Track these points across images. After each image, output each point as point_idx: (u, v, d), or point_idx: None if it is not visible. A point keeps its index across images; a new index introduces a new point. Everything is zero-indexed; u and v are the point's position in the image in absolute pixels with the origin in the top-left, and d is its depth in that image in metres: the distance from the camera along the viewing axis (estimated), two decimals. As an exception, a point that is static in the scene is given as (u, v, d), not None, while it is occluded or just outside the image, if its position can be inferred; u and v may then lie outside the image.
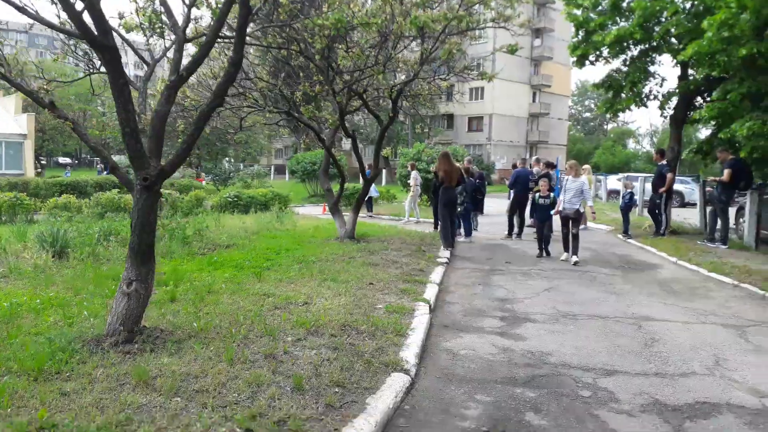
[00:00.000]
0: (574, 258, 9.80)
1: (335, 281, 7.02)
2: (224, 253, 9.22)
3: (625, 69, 13.66)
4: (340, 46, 8.24)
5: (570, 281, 8.32)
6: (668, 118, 13.79)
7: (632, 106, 13.26)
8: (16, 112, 30.53)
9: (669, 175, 12.56)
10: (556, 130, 61.61)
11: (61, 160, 65.25)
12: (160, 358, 4.10)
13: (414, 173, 15.76)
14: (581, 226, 15.72)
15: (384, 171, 50.31)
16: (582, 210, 10.14)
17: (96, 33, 3.88)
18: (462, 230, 12.82)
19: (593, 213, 11.70)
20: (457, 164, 11.10)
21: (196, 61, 4.51)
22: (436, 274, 8.23)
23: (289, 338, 4.70)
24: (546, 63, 59.47)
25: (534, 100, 59.47)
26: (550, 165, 13.86)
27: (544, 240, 10.53)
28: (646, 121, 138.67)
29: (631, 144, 78.19)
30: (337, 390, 3.77)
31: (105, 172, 28.71)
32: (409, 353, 4.62)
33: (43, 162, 46.79)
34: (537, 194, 10.51)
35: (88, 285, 6.59)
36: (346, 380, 3.93)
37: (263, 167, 50.92)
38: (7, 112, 30.47)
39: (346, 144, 60.85)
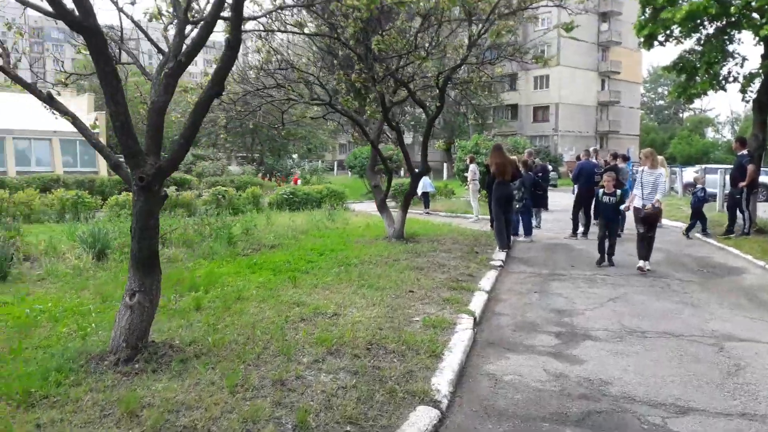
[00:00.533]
0: (647, 265, 8.47)
1: (372, 288, 6.48)
2: (267, 254, 8.88)
3: (699, 49, 12.30)
4: (378, 30, 7.65)
5: (639, 289, 7.41)
6: (751, 102, 12.34)
7: (708, 91, 11.92)
8: (88, 111, 31.75)
9: (750, 167, 11.24)
10: (628, 119, 58.59)
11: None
12: (159, 381, 3.69)
13: (472, 166, 14.98)
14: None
15: (444, 165, 49.50)
16: (660, 206, 8.56)
17: (77, 13, 3.47)
18: (522, 229, 12.01)
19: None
20: (513, 157, 10.27)
21: (196, 45, 4.05)
22: (487, 279, 7.54)
23: (306, 359, 4.18)
24: (614, 48, 56.61)
25: (603, 88, 56.79)
26: (622, 157, 12.76)
27: (607, 246, 9.11)
28: (725, 108, 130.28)
29: (709, 133, 73.40)
30: (348, 429, 3.22)
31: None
32: (443, 380, 4.01)
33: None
34: (601, 190, 9.28)
35: (118, 290, 6.35)
36: (362, 415, 3.37)
37: (327, 163, 51.03)
38: (81, 111, 31.73)
39: (408, 138, 60.37)
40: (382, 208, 10.65)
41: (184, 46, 4.26)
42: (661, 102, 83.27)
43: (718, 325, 5.82)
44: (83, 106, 31.88)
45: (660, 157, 15.33)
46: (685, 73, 12.60)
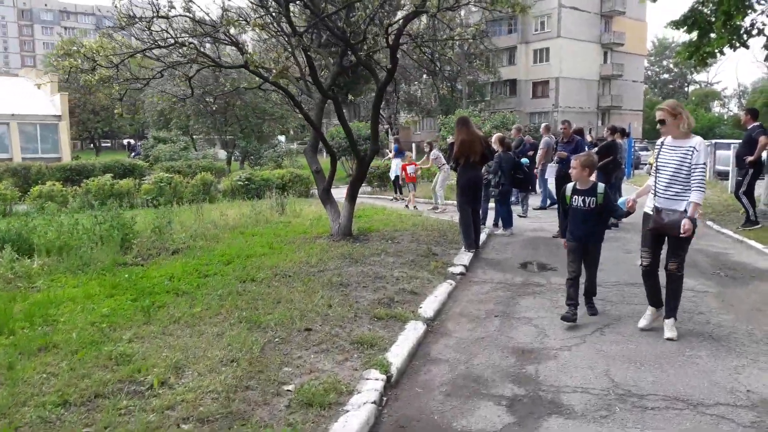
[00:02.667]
0: (670, 332, 4.66)
1: (251, 324, 4.53)
2: (162, 263, 6.95)
3: (715, -1, 10.19)
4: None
5: (638, 311, 5.47)
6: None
7: (726, 48, 9.80)
8: (52, 92, 29.71)
9: (762, 138, 9.17)
10: (631, 94, 56.09)
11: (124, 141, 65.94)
12: None
13: (434, 152, 12.94)
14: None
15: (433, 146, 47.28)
16: (697, 215, 4.58)
17: None
18: (500, 220, 10.07)
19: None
20: (511, 133, 8.21)
21: None
22: (434, 298, 5.60)
23: None
24: (618, 18, 53.94)
25: (605, 61, 54.26)
26: (621, 132, 10.69)
27: (585, 284, 5.32)
28: (732, 81, 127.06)
29: (715, 107, 70.79)
30: None
31: (133, 155, 27.36)
32: None
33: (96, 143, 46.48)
34: (569, 186, 5.26)
35: None
36: None
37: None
38: (44, 93, 29.69)
39: (402, 117, 58.00)
40: (325, 198, 8.69)
41: None
42: (666, 75, 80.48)
43: (754, 379, 3.89)
44: (47, 87, 29.82)
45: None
46: (697, 28, 10.49)
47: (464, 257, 7.52)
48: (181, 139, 25.71)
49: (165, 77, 10.99)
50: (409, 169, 13.93)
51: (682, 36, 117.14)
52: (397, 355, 4.10)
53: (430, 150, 13.43)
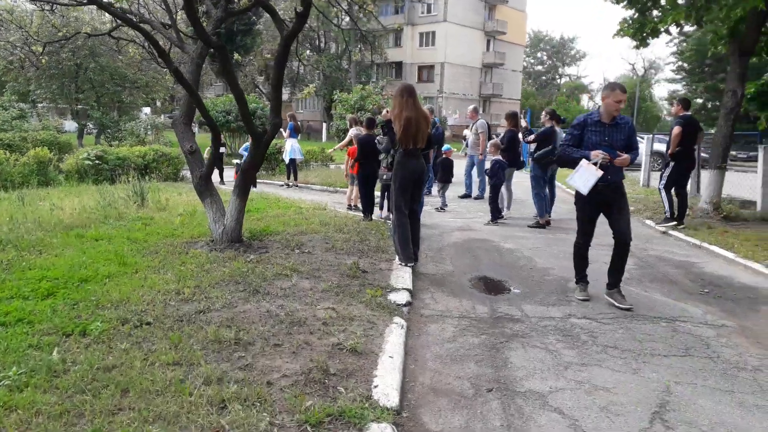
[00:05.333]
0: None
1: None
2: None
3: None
4: None
5: (678, 366, 3.80)
6: (723, 45, 9.33)
7: (681, 22, 8.57)
8: None
9: (675, 129, 8.41)
10: (510, 83, 57.35)
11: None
12: None
13: (353, 131, 10.82)
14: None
15: (324, 125, 44.82)
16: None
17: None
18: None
19: None
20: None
21: None
22: (389, 362, 3.49)
23: None
24: (501, 7, 54.68)
25: (488, 49, 54.84)
26: (558, 118, 9.27)
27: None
28: (598, 76, 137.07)
29: (585, 100, 75.05)
30: None
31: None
32: None
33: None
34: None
35: None
36: None
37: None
38: None
39: (285, 94, 54.62)
40: (203, 189, 6.23)
41: None
42: (540, 67, 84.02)
43: None
44: None
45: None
46: (638, 4, 9.25)
47: (403, 274, 5.52)
48: (15, 105, 20.95)
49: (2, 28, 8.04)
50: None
51: (554, 30, 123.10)
52: None
53: (351, 127, 11.21)
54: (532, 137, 9.34)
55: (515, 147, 9.72)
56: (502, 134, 10.19)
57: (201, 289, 4.58)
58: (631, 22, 9.36)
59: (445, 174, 10.16)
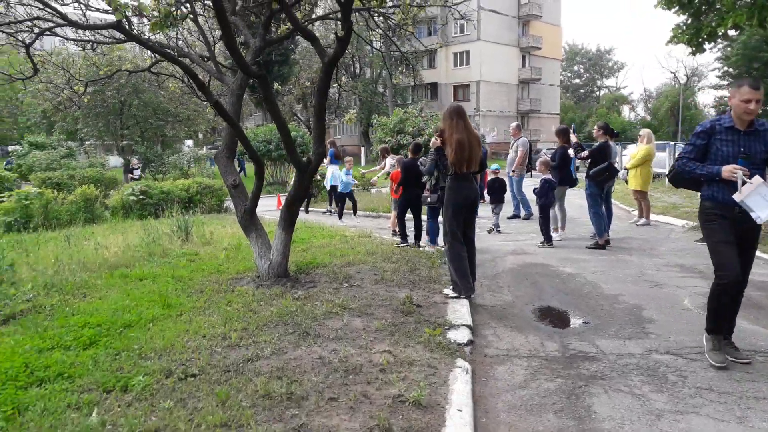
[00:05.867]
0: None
1: None
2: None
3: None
4: None
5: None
6: None
7: (744, 24, 7.93)
8: None
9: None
10: (548, 97, 56.55)
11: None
12: None
13: (388, 160, 10.52)
14: (641, 221, 10.86)
15: (362, 149, 44.92)
16: None
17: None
18: (428, 236, 8.46)
19: None
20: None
21: None
22: (458, 416, 3.11)
23: None
24: (534, 23, 54.17)
25: (524, 65, 54.28)
26: (611, 133, 8.78)
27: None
28: (638, 86, 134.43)
29: (625, 111, 73.35)
30: None
31: (6, 165, 22.71)
32: None
33: None
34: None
35: None
36: None
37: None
38: None
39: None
40: (248, 224, 6.01)
41: None
42: (577, 81, 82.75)
43: None
44: None
45: (646, 131, 11.72)
46: (692, 8, 8.73)
47: (460, 308, 5.13)
48: (63, 144, 21.52)
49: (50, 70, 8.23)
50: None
51: (590, 43, 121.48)
52: None
53: (384, 157, 11.03)
54: (585, 153, 8.87)
55: (567, 164, 9.25)
56: (553, 151, 9.73)
57: (248, 332, 4.31)
58: (685, 27, 8.83)
59: (497, 194, 9.79)
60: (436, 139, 5.81)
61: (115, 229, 9.95)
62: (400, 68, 39.28)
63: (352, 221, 11.85)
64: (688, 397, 3.52)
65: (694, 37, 8.62)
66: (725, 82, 44.70)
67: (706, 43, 8.78)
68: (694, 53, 9.08)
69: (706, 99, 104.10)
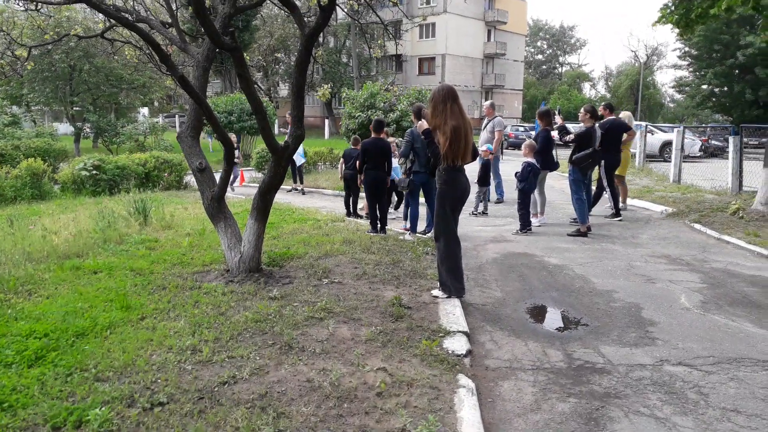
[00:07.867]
0: None
1: None
2: None
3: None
4: None
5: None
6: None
7: (738, 6, 7.62)
8: None
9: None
10: (512, 73, 56.37)
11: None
12: None
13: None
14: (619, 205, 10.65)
15: (326, 122, 43.88)
16: None
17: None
18: (407, 220, 8.26)
19: None
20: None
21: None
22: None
23: None
24: (501, -4, 53.57)
25: (489, 39, 53.81)
26: (594, 114, 8.46)
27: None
28: (599, 64, 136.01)
29: (586, 89, 74.08)
30: None
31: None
32: None
33: None
34: None
35: None
36: None
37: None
38: None
39: (283, 90, 53.55)
40: (216, 212, 5.43)
41: None
42: (540, 56, 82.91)
43: None
44: None
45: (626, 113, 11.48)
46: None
47: (453, 309, 4.73)
48: (7, 111, 19.96)
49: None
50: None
51: (554, 19, 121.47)
52: None
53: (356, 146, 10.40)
54: (570, 137, 8.54)
55: (550, 148, 8.92)
56: (534, 134, 9.39)
57: (221, 343, 3.79)
58: (674, 8, 8.50)
59: (485, 177, 9.40)
60: (422, 123, 5.30)
61: (66, 208, 9.15)
62: (373, 39, 38.26)
63: (322, 201, 11.28)
64: (714, 420, 3.22)
65: (683, 17, 8.32)
66: (685, 63, 45.30)
67: (696, 24, 8.49)
68: (681, 34, 8.82)
69: (665, 78, 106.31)
